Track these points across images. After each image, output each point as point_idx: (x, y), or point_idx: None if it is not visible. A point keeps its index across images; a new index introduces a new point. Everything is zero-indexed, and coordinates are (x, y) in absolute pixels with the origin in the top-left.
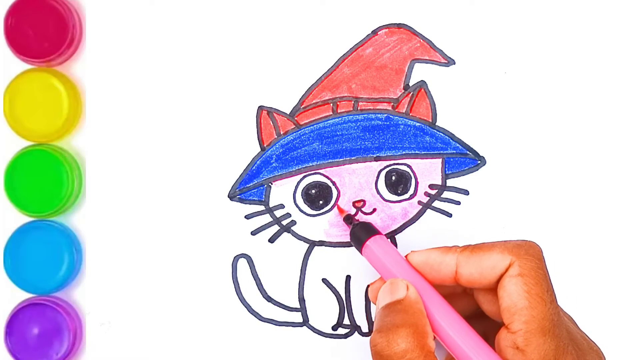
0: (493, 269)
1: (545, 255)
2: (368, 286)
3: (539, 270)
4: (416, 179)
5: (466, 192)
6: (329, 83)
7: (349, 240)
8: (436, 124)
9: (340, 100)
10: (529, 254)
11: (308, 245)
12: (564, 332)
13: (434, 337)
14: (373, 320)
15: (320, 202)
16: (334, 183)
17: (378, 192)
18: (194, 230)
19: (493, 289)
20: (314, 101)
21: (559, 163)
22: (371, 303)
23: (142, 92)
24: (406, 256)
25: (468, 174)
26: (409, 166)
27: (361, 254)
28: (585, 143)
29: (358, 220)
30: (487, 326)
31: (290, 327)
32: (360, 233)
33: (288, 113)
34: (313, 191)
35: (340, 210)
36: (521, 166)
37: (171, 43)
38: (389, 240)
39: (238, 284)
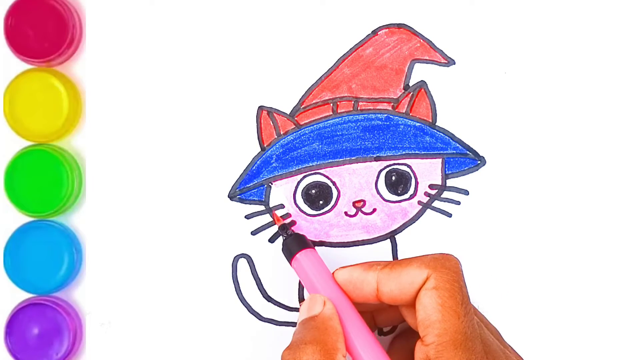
0: (411, 284)
1: (545, 255)
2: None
3: (454, 283)
4: (416, 179)
5: (466, 192)
6: (329, 83)
7: (349, 240)
8: (436, 124)
9: (340, 100)
10: (445, 267)
11: None
12: (477, 346)
13: (345, 355)
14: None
15: (321, 202)
16: (334, 183)
17: (378, 192)
18: (194, 230)
19: (414, 304)
20: (314, 101)
21: (559, 163)
22: None
23: (142, 92)
24: (333, 273)
25: (468, 174)
26: (409, 166)
27: (290, 265)
28: (585, 143)
29: (293, 231)
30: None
31: (291, 327)
32: (292, 245)
33: (288, 113)
34: (313, 191)
35: (276, 219)
36: (521, 166)
37: (171, 43)
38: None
39: (238, 284)
